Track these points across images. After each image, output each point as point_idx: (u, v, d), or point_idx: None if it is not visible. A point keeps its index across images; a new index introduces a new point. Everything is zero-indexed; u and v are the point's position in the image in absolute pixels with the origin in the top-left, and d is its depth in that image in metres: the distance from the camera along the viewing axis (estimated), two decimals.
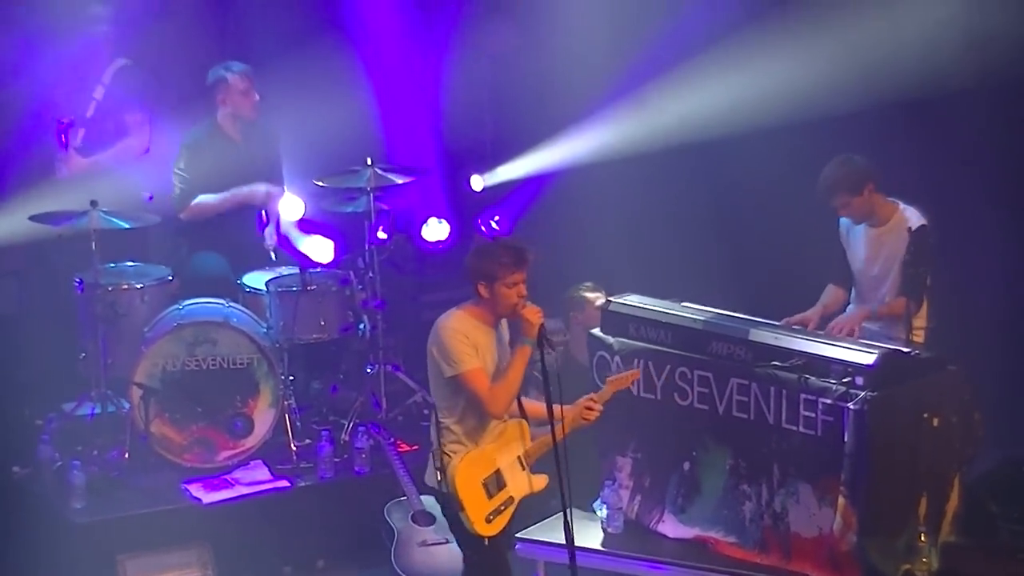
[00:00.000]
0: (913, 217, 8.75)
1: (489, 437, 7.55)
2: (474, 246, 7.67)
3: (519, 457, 7.59)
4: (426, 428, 9.79)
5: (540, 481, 7.62)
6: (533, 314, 7.40)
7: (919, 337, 8.64)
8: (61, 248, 9.76)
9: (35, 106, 10.17)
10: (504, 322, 7.60)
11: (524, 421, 7.62)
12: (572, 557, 7.44)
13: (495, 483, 7.51)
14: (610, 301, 8.86)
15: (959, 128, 9.64)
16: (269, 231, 10.03)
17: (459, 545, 7.65)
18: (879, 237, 8.87)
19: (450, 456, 7.51)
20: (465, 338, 7.41)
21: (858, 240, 8.96)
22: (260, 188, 10.05)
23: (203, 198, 10.01)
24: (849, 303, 9.05)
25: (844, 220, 9.01)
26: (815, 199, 8.96)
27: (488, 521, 7.44)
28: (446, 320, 7.49)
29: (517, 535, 8.07)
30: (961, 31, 9.47)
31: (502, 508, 7.50)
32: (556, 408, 7.37)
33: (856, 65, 9.73)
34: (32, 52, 10.13)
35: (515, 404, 7.57)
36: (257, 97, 10.04)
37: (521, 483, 7.58)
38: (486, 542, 7.43)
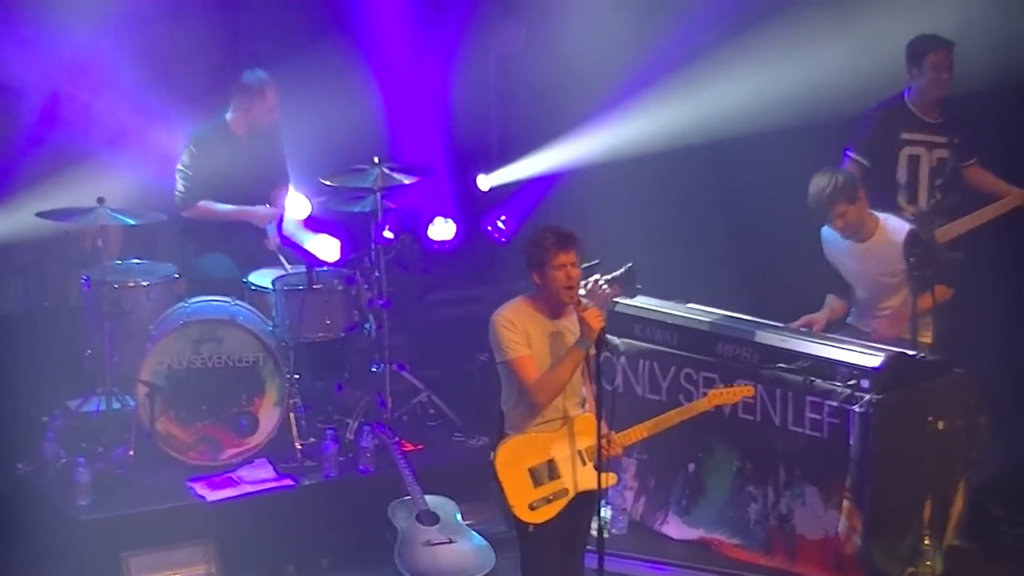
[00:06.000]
0: (897, 226, 8.67)
1: (549, 426, 7.41)
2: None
3: (581, 451, 7.41)
4: (430, 428, 9.90)
5: (609, 478, 7.43)
6: (594, 318, 7.25)
7: (927, 338, 8.58)
8: (68, 245, 9.77)
9: (42, 103, 10.19)
10: (574, 318, 7.38)
11: (593, 415, 7.39)
12: (600, 561, 7.40)
13: (546, 472, 7.37)
14: (616, 302, 8.86)
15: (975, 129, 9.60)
16: (271, 230, 10.02)
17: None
18: (865, 252, 8.75)
19: (506, 439, 7.44)
20: (513, 326, 7.35)
21: (845, 257, 8.85)
22: (263, 211, 10.03)
23: (210, 204, 9.99)
24: (851, 308, 9.00)
25: (827, 238, 8.89)
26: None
27: (532, 508, 7.33)
28: (500, 309, 7.45)
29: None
30: (982, 32, 9.44)
31: (551, 498, 7.35)
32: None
33: (871, 65, 9.70)
34: (39, 48, 10.14)
35: (590, 397, 7.45)
36: (278, 115, 10.03)
37: (581, 476, 7.39)
38: (530, 528, 7.35)
